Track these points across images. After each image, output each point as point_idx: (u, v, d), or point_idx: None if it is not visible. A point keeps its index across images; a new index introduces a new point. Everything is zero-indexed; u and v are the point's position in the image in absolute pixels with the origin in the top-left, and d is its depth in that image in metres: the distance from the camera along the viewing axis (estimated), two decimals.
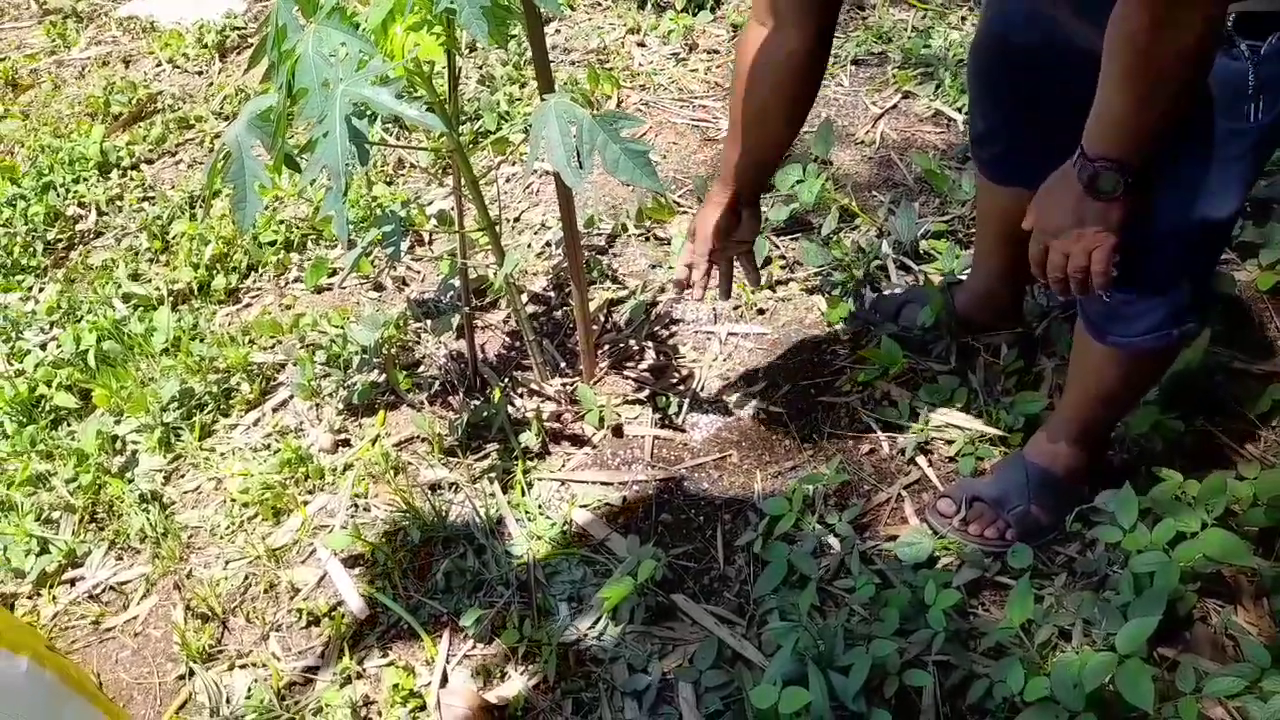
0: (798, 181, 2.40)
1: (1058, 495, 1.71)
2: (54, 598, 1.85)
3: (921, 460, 1.88)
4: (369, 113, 1.73)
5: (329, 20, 1.53)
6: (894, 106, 2.75)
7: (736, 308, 2.23)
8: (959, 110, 2.68)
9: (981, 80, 1.74)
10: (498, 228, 1.93)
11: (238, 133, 1.66)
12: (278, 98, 1.61)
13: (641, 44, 3.25)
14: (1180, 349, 1.60)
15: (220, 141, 1.67)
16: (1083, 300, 1.48)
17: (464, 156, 1.85)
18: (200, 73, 3.55)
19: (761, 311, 2.22)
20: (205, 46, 3.63)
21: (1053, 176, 1.31)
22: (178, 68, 3.58)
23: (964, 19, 3.05)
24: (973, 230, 2.22)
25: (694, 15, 3.27)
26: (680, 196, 2.57)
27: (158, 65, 3.63)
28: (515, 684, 1.61)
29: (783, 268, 2.29)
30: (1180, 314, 1.43)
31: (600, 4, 3.50)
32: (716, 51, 3.14)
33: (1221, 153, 1.27)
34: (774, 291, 2.25)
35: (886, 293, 2.16)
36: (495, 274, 2.30)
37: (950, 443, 1.89)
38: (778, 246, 2.35)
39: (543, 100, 1.66)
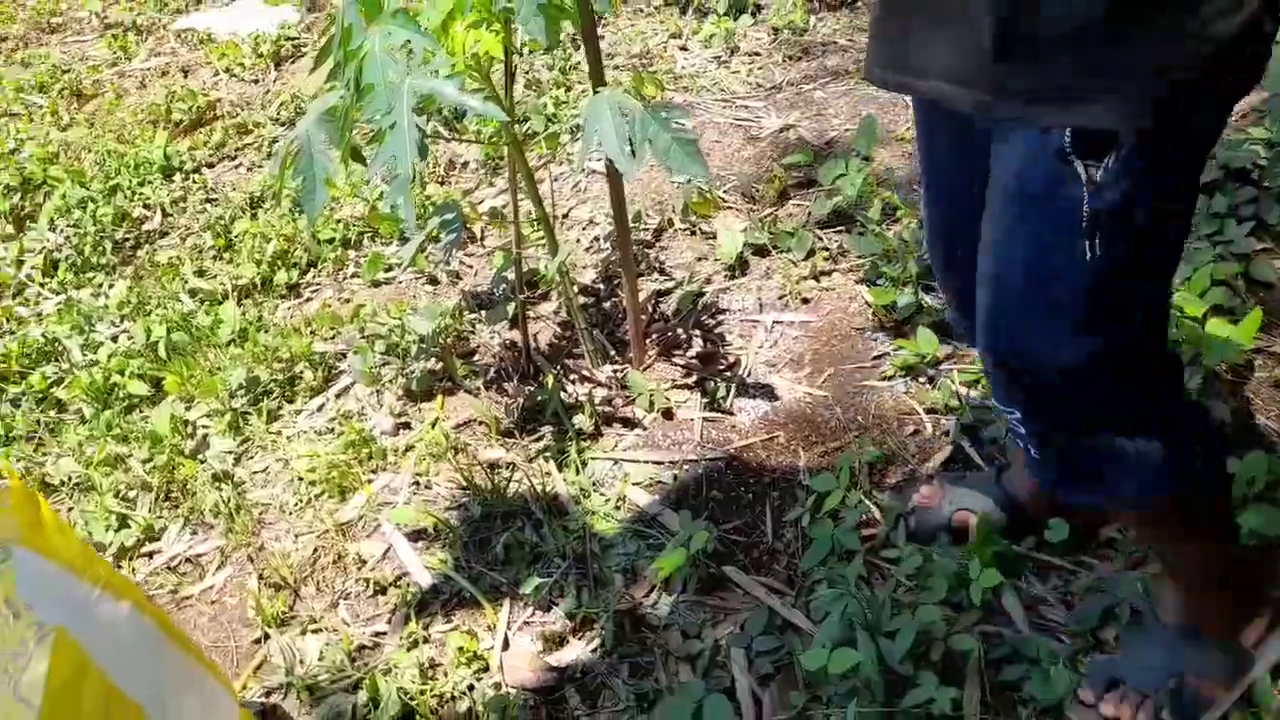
0: (840, 176, 2.47)
1: (1212, 655, 1.42)
2: (134, 569, 1.95)
3: (964, 441, 1.93)
4: (425, 111, 1.82)
5: (395, 19, 1.62)
6: None
7: (781, 297, 2.30)
8: None
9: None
10: (552, 215, 2.01)
11: (307, 128, 1.75)
12: (343, 95, 1.70)
13: (684, 48, 3.34)
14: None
15: (290, 136, 1.76)
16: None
17: (520, 149, 1.94)
18: (256, 81, 3.67)
19: (806, 300, 2.28)
20: (261, 56, 3.76)
21: None
22: (235, 76, 3.71)
23: None
24: None
25: (735, 20, 3.35)
26: (725, 192, 2.64)
27: (215, 75, 3.76)
28: (574, 649, 1.68)
29: (826, 259, 2.36)
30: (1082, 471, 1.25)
31: (643, 10, 3.59)
32: (757, 54, 3.22)
33: (1048, 292, 1.11)
34: (818, 281, 2.32)
35: (930, 506, 1.76)
36: (546, 266, 2.38)
37: (992, 424, 1.94)
38: (821, 239, 2.41)
39: (596, 93, 1.74)
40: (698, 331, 2.26)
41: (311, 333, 2.42)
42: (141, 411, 2.29)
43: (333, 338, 2.41)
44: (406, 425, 2.15)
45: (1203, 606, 1.42)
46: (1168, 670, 1.41)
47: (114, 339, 2.52)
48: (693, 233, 2.55)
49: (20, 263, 2.85)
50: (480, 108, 1.61)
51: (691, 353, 2.22)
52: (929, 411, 1.99)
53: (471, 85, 1.80)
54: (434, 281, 2.57)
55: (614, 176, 1.97)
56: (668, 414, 2.08)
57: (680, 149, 1.64)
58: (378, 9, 1.65)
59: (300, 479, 2.04)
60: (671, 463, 1.98)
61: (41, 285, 2.78)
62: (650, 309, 2.34)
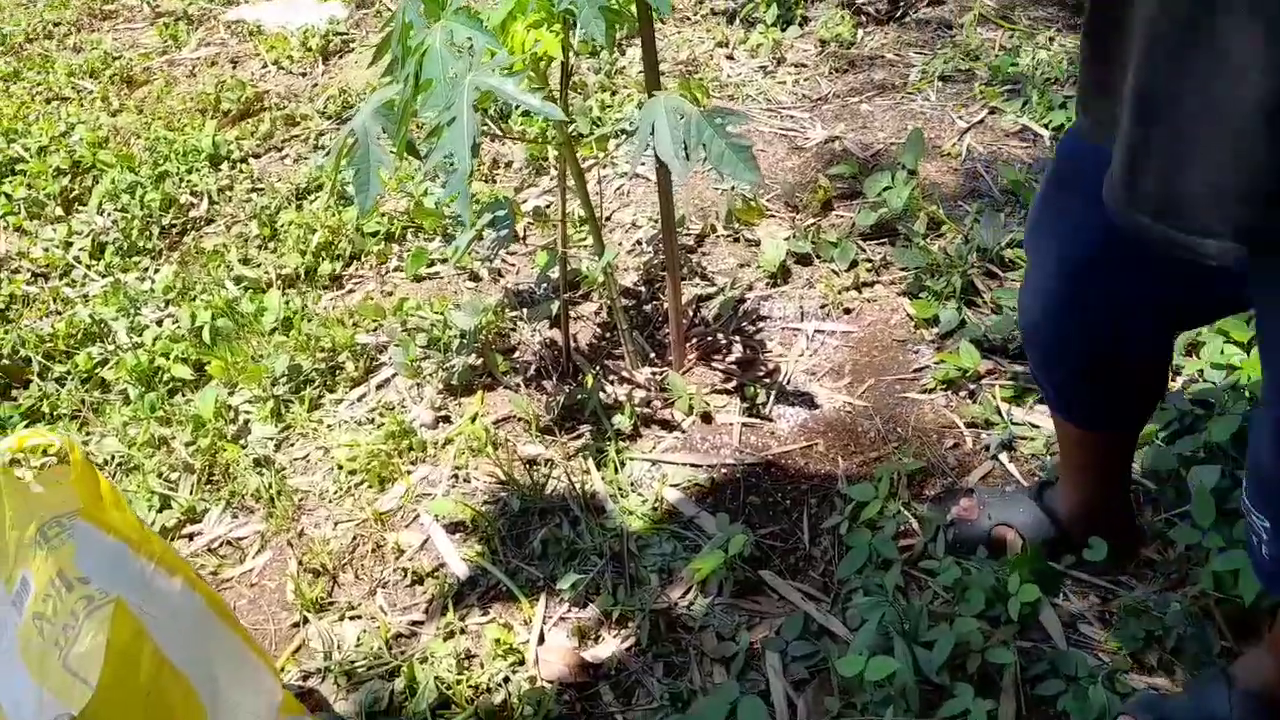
0: (886, 189, 2.47)
1: None
2: (175, 550, 1.97)
3: (1004, 456, 1.93)
4: (479, 109, 1.83)
5: (457, 16, 1.63)
6: (980, 121, 2.81)
7: (823, 306, 2.30)
8: (1045, 126, 2.73)
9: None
10: (597, 217, 2.03)
11: (364, 120, 1.77)
12: (400, 89, 1.72)
13: (730, 57, 3.35)
14: None
15: (347, 128, 1.78)
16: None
17: (572, 149, 1.95)
18: (304, 74, 3.71)
19: (848, 311, 2.29)
20: (309, 50, 3.80)
21: None
22: (283, 69, 3.75)
23: (1051, 39, 3.11)
24: None
25: (783, 30, 3.36)
26: (769, 201, 2.65)
27: (264, 66, 3.80)
28: (609, 646, 1.69)
29: (869, 270, 2.36)
30: None
31: (690, 19, 3.61)
32: (804, 65, 3.23)
33: None
34: (860, 292, 2.32)
35: (969, 520, 1.77)
36: (590, 266, 2.40)
37: (1031, 440, 1.94)
38: (864, 250, 2.41)
39: (652, 97, 1.75)
40: (738, 337, 2.27)
41: (354, 324, 2.45)
42: (185, 395, 2.32)
43: (375, 330, 2.43)
44: (446, 419, 2.16)
45: None
46: None
47: (159, 323, 2.55)
48: (735, 239, 2.55)
49: (68, 244, 2.89)
50: (540, 107, 1.63)
51: (731, 358, 2.23)
52: (969, 425, 1.99)
53: (527, 84, 1.81)
54: (476, 278, 2.58)
55: (663, 179, 1.98)
56: (706, 418, 2.09)
57: (734, 155, 1.65)
58: (440, 5, 1.67)
59: (340, 467, 2.06)
60: (709, 466, 1.99)
61: (88, 267, 2.81)
62: (691, 313, 2.35)
